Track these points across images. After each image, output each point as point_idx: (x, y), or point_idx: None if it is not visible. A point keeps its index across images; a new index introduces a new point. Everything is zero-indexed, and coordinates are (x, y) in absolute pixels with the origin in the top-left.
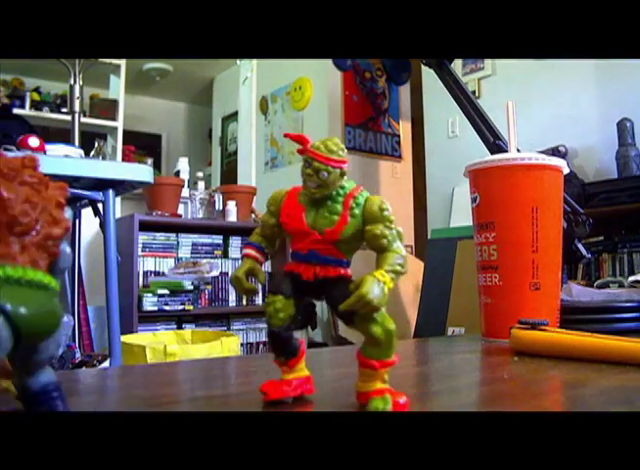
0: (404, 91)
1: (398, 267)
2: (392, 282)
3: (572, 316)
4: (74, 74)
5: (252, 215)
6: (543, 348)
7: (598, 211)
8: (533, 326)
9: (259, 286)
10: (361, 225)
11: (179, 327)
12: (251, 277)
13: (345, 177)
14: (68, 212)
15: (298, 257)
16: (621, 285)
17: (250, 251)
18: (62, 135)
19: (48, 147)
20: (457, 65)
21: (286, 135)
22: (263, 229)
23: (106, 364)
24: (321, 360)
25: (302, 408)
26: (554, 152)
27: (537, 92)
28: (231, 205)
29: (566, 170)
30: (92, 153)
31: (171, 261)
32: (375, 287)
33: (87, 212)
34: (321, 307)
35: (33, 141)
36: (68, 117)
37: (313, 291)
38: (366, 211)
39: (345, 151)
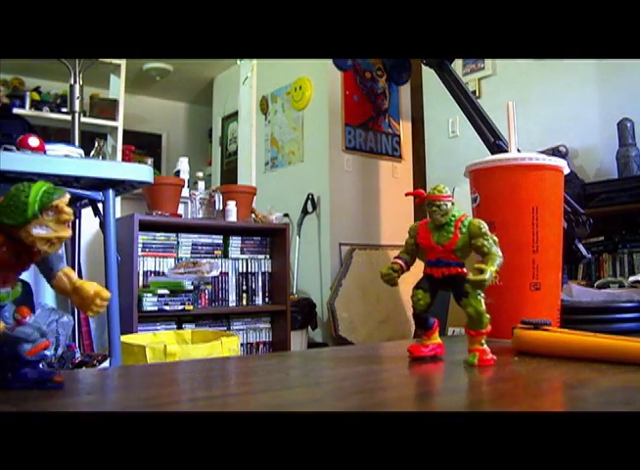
0: (404, 91)
1: (497, 265)
2: (496, 273)
3: (573, 316)
4: (74, 74)
5: (252, 215)
6: (546, 348)
7: (598, 211)
8: (536, 326)
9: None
10: (467, 239)
11: (179, 327)
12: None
13: (455, 208)
14: None
15: (431, 263)
16: (622, 285)
17: (398, 260)
18: (62, 135)
19: (48, 147)
20: (457, 65)
21: (407, 194)
22: (406, 248)
23: (106, 364)
24: (321, 360)
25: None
26: (554, 152)
27: (538, 92)
28: (231, 205)
29: (566, 171)
30: (92, 153)
31: (171, 261)
32: (489, 275)
33: (87, 212)
34: (321, 309)
35: (33, 141)
36: (68, 117)
37: (442, 284)
38: (470, 230)
39: (448, 190)
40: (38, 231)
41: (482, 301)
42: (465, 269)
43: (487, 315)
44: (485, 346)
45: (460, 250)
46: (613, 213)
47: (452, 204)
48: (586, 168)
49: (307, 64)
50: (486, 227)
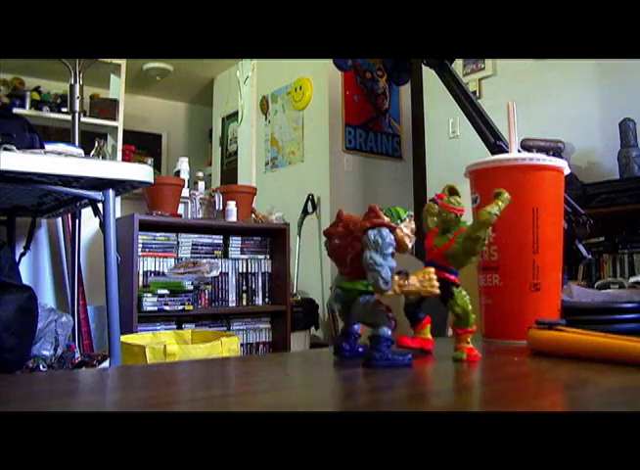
0: (405, 91)
1: (491, 212)
2: (493, 214)
3: (573, 317)
4: (75, 74)
5: (253, 216)
6: (561, 347)
7: (599, 211)
8: (550, 326)
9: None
10: (462, 249)
11: (179, 327)
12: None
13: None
14: None
15: (425, 264)
16: (622, 286)
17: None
18: (62, 135)
19: (48, 147)
20: (458, 65)
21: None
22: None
23: (106, 364)
24: (321, 360)
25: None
26: (554, 151)
27: (538, 92)
28: (231, 205)
29: (567, 171)
30: (92, 153)
31: (171, 261)
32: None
33: (87, 212)
34: (322, 309)
35: None
36: (69, 117)
37: None
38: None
39: (462, 204)
40: (406, 231)
41: (468, 301)
42: (452, 276)
43: (473, 315)
44: (471, 344)
45: (452, 256)
46: (613, 214)
47: (456, 216)
48: (587, 169)
49: (307, 64)
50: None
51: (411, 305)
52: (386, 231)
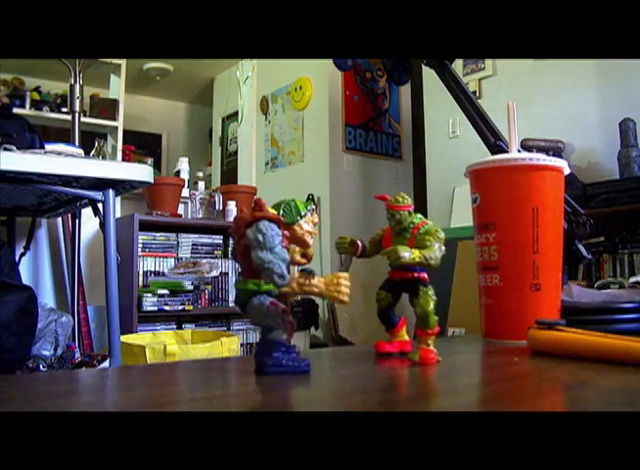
0: (405, 91)
1: (427, 256)
2: (418, 259)
3: (573, 317)
4: (75, 74)
5: None
6: (561, 347)
7: (599, 211)
8: (550, 326)
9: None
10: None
11: (179, 327)
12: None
13: (419, 215)
14: None
15: (391, 266)
16: (622, 286)
17: (358, 241)
18: (62, 135)
19: (48, 147)
20: (458, 65)
21: (375, 197)
22: (372, 239)
23: (106, 364)
24: (321, 360)
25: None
26: (554, 151)
27: (538, 92)
28: (231, 205)
29: (567, 171)
30: (92, 153)
31: (171, 261)
32: (404, 250)
33: (87, 212)
34: (322, 309)
35: None
36: (69, 117)
37: (399, 287)
38: (427, 232)
39: (409, 199)
40: (306, 227)
41: (432, 302)
42: (422, 274)
43: (435, 317)
44: (432, 346)
45: None
46: (613, 214)
47: (409, 213)
48: (587, 169)
49: (307, 64)
50: (443, 235)
51: (383, 311)
52: (264, 224)
